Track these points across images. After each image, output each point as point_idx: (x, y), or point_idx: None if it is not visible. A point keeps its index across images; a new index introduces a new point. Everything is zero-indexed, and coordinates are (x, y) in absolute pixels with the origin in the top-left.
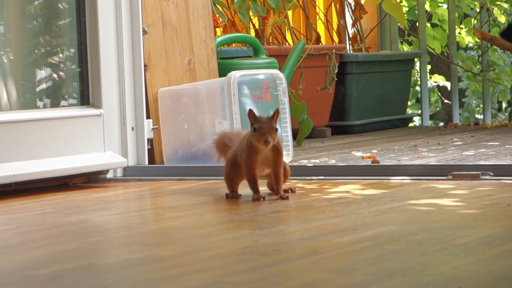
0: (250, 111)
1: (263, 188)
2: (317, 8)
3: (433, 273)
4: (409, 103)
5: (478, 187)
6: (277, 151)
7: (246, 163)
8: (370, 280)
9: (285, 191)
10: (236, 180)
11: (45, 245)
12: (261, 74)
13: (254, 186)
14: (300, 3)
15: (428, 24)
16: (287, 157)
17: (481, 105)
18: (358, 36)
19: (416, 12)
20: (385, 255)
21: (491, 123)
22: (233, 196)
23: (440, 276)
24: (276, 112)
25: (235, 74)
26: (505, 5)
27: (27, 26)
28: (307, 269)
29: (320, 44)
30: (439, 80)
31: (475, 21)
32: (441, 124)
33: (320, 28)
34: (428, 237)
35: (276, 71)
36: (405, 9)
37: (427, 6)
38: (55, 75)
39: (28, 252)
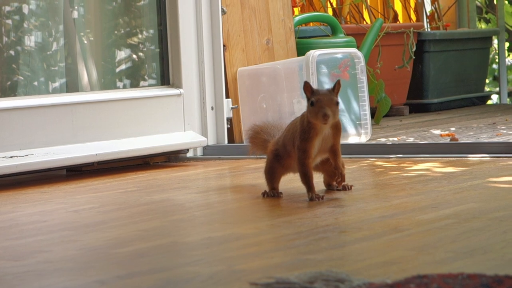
0: (306, 83)
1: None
2: None
3: None
4: (486, 81)
5: None
6: (337, 129)
7: (302, 149)
8: (452, 257)
9: (338, 187)
10: (278, 174)
11: (128, 223)
12: (339, 53)
13: (308, 181)
14: None
15: (506, 1)
16: (365, 135)
17: None
18: (436, 14)
19: None
20: (466, 233)
21: None
22: (273, 194)
23: None
24: (337, 84)
25: (313, 53)
26: None
27: (107, 7)
28: (388, 247)
29: (398, 22)
30: None
31: None
32: None
33: (398, 7)
34: (509, 214)
35: (354, 50)
36: None
37: None
38: (134, 56)
39: (111, 230)
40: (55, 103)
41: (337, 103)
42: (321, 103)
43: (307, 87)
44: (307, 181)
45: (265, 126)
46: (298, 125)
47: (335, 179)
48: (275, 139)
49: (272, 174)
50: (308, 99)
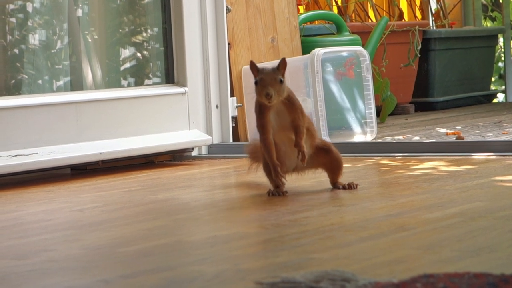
0: (252, 63)
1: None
2: None
3: None
4: (492, 79)
5: None
6: (289, 104)
7: (259, 125)
8: (458, 256)
9: (344, 186)
10: None
11: (132, 222)
12: (345, 51)
13: (270, 157)
14: None
15: None
16: (371, 134)
17: None
18: (441, 12)
19: None
20: (472, 232)
21: None
22: (278, 194)
23: None
24: (282, 62)
25: (318, 52)
26: None
27: (111, 5)
28: (394, 246)
29: (403, 20)
30: None
31: None
32: None
33: (403, 5)
34: None
35: (359, 48)
36: None
37: None
38: (139, 54)
39: (116, 229)
40: (60, 102)
41: (281, 81)
42: (263, 82)
43: (253, 66)
44: (268, 155)
45: None
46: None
47: (297, 156)
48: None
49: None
50: (254, 77)
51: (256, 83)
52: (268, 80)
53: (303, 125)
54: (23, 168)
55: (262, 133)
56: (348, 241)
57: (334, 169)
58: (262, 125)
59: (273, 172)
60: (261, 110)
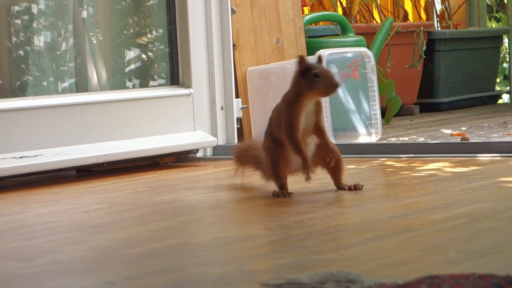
0: (301, 57)
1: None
2: None
3: None
4: (497, 80)
5: None
6: (319, 105)
7: (289, 123)
8: (463, 257)
9: (350, 187)
10: (283, 165)
11: (138, 224)
12: (349, 52)
13: (300, 151)
14: None
15: None
16: (375, 135)
17: None
18: (446, 13)
19: None
20: (477, 233)
21: None
22: (283, 195)
23: None
24: (320, 59)
25: (323, 53)
26: None
27: (116, 7)
28: (399, 247)
29: (408, 21)
30: None
31: None
32: None
33: (408, 5)
34: None
35: (364, 49)
36: None
37: None
38: (144, 56)
39: (122, 231)
40: (65, 103)
41: None
42: (328, 73)
43: (302, 60)
44: (300, 149)
45: (252, 143)
46: (283, 105)
47: (329, 156)
48: (266, 131)
49: (277, 167)
50: (305, 72)
51: (316, 75)
52: (330, 73)
53: (325, 127)
54: (28, 169)
55: (292, 132)
56: (353, 242)
57: (334, 165)
58: (292, 124)
59: (304, 165)
60: (294, 109)
